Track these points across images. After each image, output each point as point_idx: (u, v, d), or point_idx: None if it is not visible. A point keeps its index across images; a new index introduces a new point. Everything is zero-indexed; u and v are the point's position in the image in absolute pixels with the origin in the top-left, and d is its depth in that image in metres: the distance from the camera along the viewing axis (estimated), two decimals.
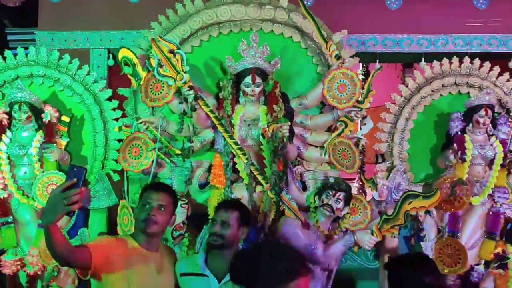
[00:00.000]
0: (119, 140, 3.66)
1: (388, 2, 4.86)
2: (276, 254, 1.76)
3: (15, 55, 3.63)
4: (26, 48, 3.81)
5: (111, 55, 5.01)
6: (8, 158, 3.44)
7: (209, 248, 2.54)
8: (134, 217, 2.54)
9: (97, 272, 2.19)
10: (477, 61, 3.88)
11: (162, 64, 3.21)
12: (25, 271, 3.29)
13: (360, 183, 4.67)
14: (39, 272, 3.25)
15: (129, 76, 3.47)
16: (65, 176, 3.18)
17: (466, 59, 3.86)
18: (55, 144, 3.44)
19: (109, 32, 4.87)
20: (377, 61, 5.00)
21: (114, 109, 3.71)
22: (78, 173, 1.91)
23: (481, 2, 4.86)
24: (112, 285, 2.24)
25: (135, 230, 2.43)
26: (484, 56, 4.74)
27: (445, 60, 3.87)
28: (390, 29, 4.82)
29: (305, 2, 4.41)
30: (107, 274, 2.22)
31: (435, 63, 3.92)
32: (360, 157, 3.75)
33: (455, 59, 3.88)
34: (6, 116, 3.42)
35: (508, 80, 3.84)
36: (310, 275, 1.81)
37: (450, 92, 3.86)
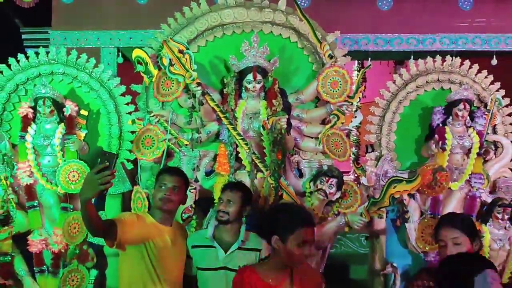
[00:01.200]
0: (133, 132, 3.83)
1: (380, 4, 5.11)
2: (289, 209, 2.36)
3: (37, 54, 3.80)
4: (46, 47, 4.03)
5: (120, 53, 5.27)
6: (33, 148, 3.58)
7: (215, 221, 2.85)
8: (152, 197, 2.83)
9: (121, 243, 2.51)
10: (458, 60, 4.07)
11: (172, 63, 3.43)
12: (49, 250, 3.49)
13: (356, 174, 4.92)
14: (62, 250, 3.46)
15: (142, 74, 3.66)
16: (85, 164, 3.52)
17: (448, 58, 4.06)
18: (75, 136, 3.58)
19: (119, 31, 5.11)
20: (369, 58, 5.26)
21: (127, 104, 3.86)
22: (110, 158, 2.24)
23: (466, 4, 5.11)
24: (133, 254, 2.57)
25: (152, 208, 2.75)
26: (469, 54, 5.02)
27: (429, 59, 4.05)
28: (381, 29, 5.11)
29: (302, 4, 4.67)
30: (130, 245, 2.56)
31: (420, 61, 4.11)
32: (356, 149, 4.03)
33: (438, 58, 4.06)
34: (31, 110, 3.57)
35: (486, 77, 4.05)
36: (314, 226, 2.30)
37: (433, 88, 4.04)
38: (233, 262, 2.71)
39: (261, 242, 2.76)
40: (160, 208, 2.66)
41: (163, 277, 2.57)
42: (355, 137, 6.04)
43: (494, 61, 5.01)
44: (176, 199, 2.69)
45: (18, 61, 3.76)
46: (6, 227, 3.41)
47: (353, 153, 6.19)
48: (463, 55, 5.01)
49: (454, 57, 4.15)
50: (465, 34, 5.08)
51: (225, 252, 2.75)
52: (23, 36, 5.67)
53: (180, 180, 2.75)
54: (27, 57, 3.79)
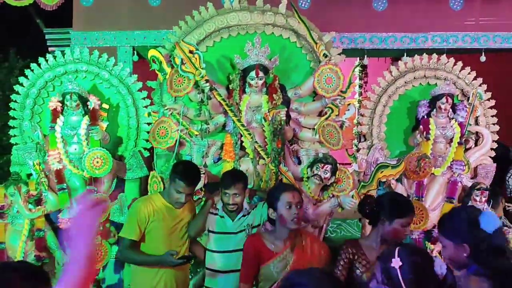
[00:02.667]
0: (148, 124, 4.20)
1: (375, 4, 5.32)
2: (275, 185, 3.19)
3: (63, 53, 4.17)
4: (67, 46, 4.44)
5: (135, 52, 5.60)
6: (62, 137, 3.89)
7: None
8: (169, 190, 3.05)
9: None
10: (443, 58, 4.39)
11: (184, 62, 3.79)
12: None
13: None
14: None
15: (157, 71, 3.99)
16: (107, 151, 3.86)
17: (434, 56, 4.38)
18: (98, 126, 3.92)
19: (134, 31, 5.36)
20: (365, 56, 5.54)
21: (144, 98, 4.21)
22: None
23: (456, 4, 5.31)
24: (150, 234, 2.95)
25: (169, 195, 3.02)
26: (459, 51, 5.29)
27: (417, 57, 4.37)
28: (377, 28, 5.27)
29: (303, 5, 5.01)
30: (146, 231, 2.95)
31: (408, 58, 4.44)
32: (357, 141, 4.32)
33: (425, 56, 4.37)
34: (60, 104, 3.90)
35: (469, 73, 4.37)
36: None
37: (420, 83, 4.36)
38: (238, 228, 3.13)
39: (261, 215, 3.16)
40: (175, 207, 3.03)
41: (176, 244, 2.97)
42: (355, 130, 6.32)
43: (483, 58, 5.21)
44: (189, 198, 3.05)
45: (47, 60, 4.17)
46: (39, 207, 3.79)
47: (355, 145, 6.48)
48: (454, 52, 5.27)
49: (445, 55, 4.46)
50: (456, 33, 5.22)
51: (232, 221, 3.16)
52: (46, 36, 6.03)
53: (193, 188, 3.06)
54: (54, 57, 4.18)
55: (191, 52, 3.82)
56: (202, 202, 3.84)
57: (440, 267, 1.54)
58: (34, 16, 6.82)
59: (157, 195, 3.13)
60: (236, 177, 3.23)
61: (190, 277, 3.39)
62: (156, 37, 5.35)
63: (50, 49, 6.08)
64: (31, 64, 4.17)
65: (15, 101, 4.18)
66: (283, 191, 2.65)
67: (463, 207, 3.34)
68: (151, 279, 2.88)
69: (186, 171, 3.01)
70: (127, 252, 2.89)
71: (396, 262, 1.62)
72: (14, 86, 4.21)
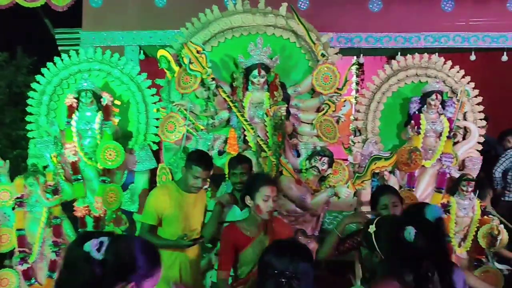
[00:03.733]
0: (157, 119, 4.41)
1: (371, 6, 5.56)
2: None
3: (77, 53, 4.41)
4: (77, 45, 4.68)
5: (142, 51, 5.84)
6: (77, 131, 4.11)
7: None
8: (184, 178, 3.25)
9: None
10: (434, 57, 4.65)
11: (192, 61, 4.04)
12: (91, 215, 4.09)
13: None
14: (102, 215, 4.06)
15: (165, 70, 4.26)
16: (120, 144, 4.12)
17: (425, 55, 4.62)
18: (111, 121, 4.15)
19: (140, 31, 5.58)
20: (361, 55, 5.80)
21: (153, 95, 4.43)
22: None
23: (448, 5, 5.57)
24: (166, 219, 3.18)
25: (183, 183, 3.22)
26: (450, 50, 5.54)
27: (409, 56, 4.61)
28: (372, 28, 5.51)
29: (302, 6, 5.26)
30: (163, 216, 3.19)
31: (402, 57, 4.72)
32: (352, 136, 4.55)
33: (417, 55, 4.60)
34: (75, 101, 4.12)
35: (458, 72, 4.59)
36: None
37: (412, 81, 4.60)
38: None
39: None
40: (191, 192, 3.24)
41: (189, 228, 3.24)
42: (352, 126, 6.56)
43: (473, 57, 5.47)
44: (204, 184, 3.28)
45: (62, 60, 4.43)
46: (56, 196, 4.00)
47: (352, 140, 6.73)
48: (445, 51, 5.52)
49: (437, 54, 4.72)
50: (447, 33, 5.45)
51: (240, 210, 3.40)
52: (57, 36, 6.28)
53: (209, 173, 3.26)
54: (69, 56, 4.44)
55: (198, 52, 4.09)
56: (208, 192, 4.15)
57: (409, 233, 1.81)
58: (42, 16, 7.05)
59: (172, 183, 3.36)
60: (241, 158, 3.59)
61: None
62: (161, 37, 5.59)
63: (59, 48, 6.32)
64: (47, 63, 4.42)
65: (32, 98, 4.43)
66: (263, 185, 2.77)
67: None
68: (167, 259, 3.13)
69: (201, 158, 3.23)
70: (146, 235, 3.14)
71: (371, 228, 1.92)
72: (31, 84, 4.46)
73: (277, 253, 1.80)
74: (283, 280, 1.72)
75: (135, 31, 5.59)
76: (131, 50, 5.68)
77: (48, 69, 4.43)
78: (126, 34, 5.60)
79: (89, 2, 5.64)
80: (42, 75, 4.44)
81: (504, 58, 5.44)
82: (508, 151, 5.38)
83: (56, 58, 4.43)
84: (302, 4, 5.50)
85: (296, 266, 1.74)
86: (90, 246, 1.42)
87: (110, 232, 1.62)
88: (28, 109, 4.45)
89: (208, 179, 3.96)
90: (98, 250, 1.44)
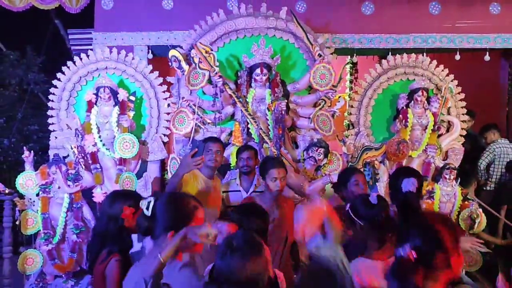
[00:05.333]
0: (168, 113, 4.76)
1: (363, 9, 5.81)
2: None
3: (95, 52, 4.78)
4: (89, 45, 5.00)
5: (150, 51, 6.15)
6: (96, 124, 4.45)
7: (241, 174, 3.91)
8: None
9: None
10: (421, 57, 5.03)
11: (201, 61, 4.41)
12: None
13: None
14: None
15: (176, 69, 4.61)
16: (135, 136, 4.51)
17: (412, 55, 5.02)
18: (126, 115, 4.50)
19: (149, 32, 5.78)
20: (355, 54, 6.09)
21: (164, 92, 4.78)
22: (200, 146, 3.30)
23: (435, 9, 5.87)
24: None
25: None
26: (437, 50, 5.88)
27: (398, 56, 4.99)
28: (365, 30, 5.71)
29: (299, 9, 5.59)
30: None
31: (390, 57, 5.14)
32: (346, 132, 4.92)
33: (405, 55, 5.00)
34: (94, 96, 4.47)
35: (442, 70, 5.00)
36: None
37: (401, 79, 4.97)
38: None
39: None
40: (209, 166, 3.64)
41: (207, 210, 3.61)
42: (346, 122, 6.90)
43: (458, 57, 5.75)
44: (219, 159, 3.70)
45: (81, 59, 4.80)
46: (77, 183, 4.36)
47: (345, 135, 7.08)
48: (432, 51, 5.85)
49: (425, 53, 5.08)
50: (434, 34, 5.67)
51: (247, 193, 3.82)
52: (70, 36, 6.58)
53: (221, 146, 3.72)
54: (87, 56, 4.80)
55: (207, 52, 4.44)
56: None
57: (373, 198, 2.45)
58: (53, 17, 7.38)
59: (196, 170, 3.66)
60: (248, 146, 4.02)
61: None
62: (168, 37, 5.81)
63: (72, 47, 6.64)
64: (68, 61, 4.79)
65: (53, 94, 4.78)
66: (271, 168, 3.33)
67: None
68: None
69: (211, 136, 3.92)
70: None
71: (348, 206, 2.47)
72: (52, 81, 4.82)
73: None
74: None
75: (143, 32, 5.78)
76: (140, 49, 5.81)
77: (68, 67, 4.78)
78: (135, 34, 5.78)
79: (101, 5, 5.92)
80: (51, 73, 4.79)
81: (487, 58, 5.69)
82: (491, 145, 5.71)
83: (75, 58, 4.79)
84: (300, 7, 5.77)
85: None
86: (143, 204, 1.87)
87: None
88: (49, 104, 4.80)
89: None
90: (147, 208, 1.88)
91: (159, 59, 5.95)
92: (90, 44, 5.99)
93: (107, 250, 2.48)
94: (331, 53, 4.96)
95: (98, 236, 2.60)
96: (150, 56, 5.99)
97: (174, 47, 4.94)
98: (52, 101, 4.79)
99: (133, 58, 4.87)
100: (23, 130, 7.72)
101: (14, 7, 5.74)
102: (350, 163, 4.50)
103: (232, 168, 4.44)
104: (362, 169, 4.52)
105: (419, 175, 3.28)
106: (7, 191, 4.33)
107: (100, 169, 4.53)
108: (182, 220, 1.99)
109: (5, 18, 6.49)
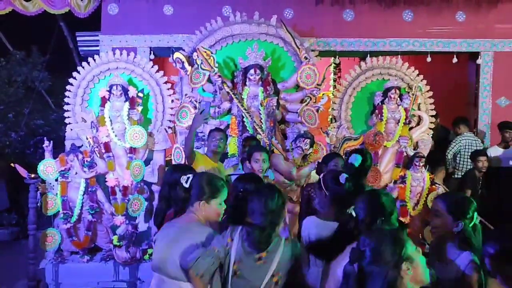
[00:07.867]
0: (171, 108, 5.25)
1: (345, 16, 6.37)
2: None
3: (106, 54, 5.33)
4: (96, 46, 5.52)
5: (152, 52, 6.65)
6: (109, 118, 4.81)
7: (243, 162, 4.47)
8: (207, 145, 4.41)
9: None
10: (394, 59, 5.64)
11: (202, 62, 4.97)
12: (120, 185, 4.85)
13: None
14: (129, 185, 4.88)
15: (179, 69, 5.17)
16: (143, 128, 5.04)
17: (387, 58, 5.65)
18: (135, 110, 4.95)
19: (151, 35, 6.31)
20: (337, 56, 6.71)
21: (168, 89, 5.27)
22: (207, 106, 3.97)
23: (408, 16, 6.49)
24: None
25: (207, 151, 4.35)
26: (410, 53, 6.50)
27: (374, 59, 5.60)
28: (346, 34, 6.33)
29: (287, 16, 6.18)
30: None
31: (368, 59, 5.73)
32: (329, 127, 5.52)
33: (381, 58, 5.62)
34: (107, 93, 4.93)
35: (413, 71, 5.60)
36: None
37: (377, 79, 5.55)
38: None
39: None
40: (213, 151, 4.26)
41: None
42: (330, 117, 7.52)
43: (429, 59, 6.37)
44: (222, 146, 4.30)
45: (94, 59, 5.34)
46: (92, 169, 4.84)
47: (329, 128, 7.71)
48: (407, 54, 6.46)
49: (399, 56, 5.71)
50: (408, 39, 6.30)
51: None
52: (78, 39, 7.04)
53: (223, 135, 4.31)
54: (93, 59, 5.29)
55: (208, 55, 5.03)
56: None
57: (342, 178, 2.97)
58: (59, 19, 7.85)
59: (205, 154, 4.35)
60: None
61: None
62: (169, 40, 6.33)
63: (80, 48, 7.14)
64: (83, 62, 5.32)
65: (69, 91, 5.29)
66: (253, 151, 3.98)
67: None
68: None
69: (216, 128, 4.50)
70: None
71: (321, 175, 3.12)
72: (68, 79, 5.34)
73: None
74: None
75: (146, 35, 6.29)
76: (143, 51, 6.36)
77: (83, 67, 5.31)
78: (138, 37, 6.29)
79: (107, 10, 6.44)
80: (57, 71, 5.26)
81: (455, 60, 6.34)
82: (458, 137, 6.34)
83: (89, 58, 5.32)
84: (288, 14, 6.36)
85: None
86: (183, 179, 2.53)
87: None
88: (65, 99, 5.32)
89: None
90: (186, 182, 2.53)
91: (159, 59, 6.51)
92: (97, 46, 6.55)
93: (174, 210, 3.06)
94: (316, 56, 5.58)
95: (164, 200, 3.23)
96: (152, 56, 6.52)
97: (176, 50, 5.48)
98: (68, 97, 5.30)
99: (141, 59, 5.37)
100: (30, 124, 8.15)
101: (28, 11, 6.27)
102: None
103: (229, 156, 5.00)
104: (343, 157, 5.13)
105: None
106: (32, 175, 4.79)
107: (112, 157, 4.92)
108: (211, 193, 2.63)
109: (13, 20, 6.88)
